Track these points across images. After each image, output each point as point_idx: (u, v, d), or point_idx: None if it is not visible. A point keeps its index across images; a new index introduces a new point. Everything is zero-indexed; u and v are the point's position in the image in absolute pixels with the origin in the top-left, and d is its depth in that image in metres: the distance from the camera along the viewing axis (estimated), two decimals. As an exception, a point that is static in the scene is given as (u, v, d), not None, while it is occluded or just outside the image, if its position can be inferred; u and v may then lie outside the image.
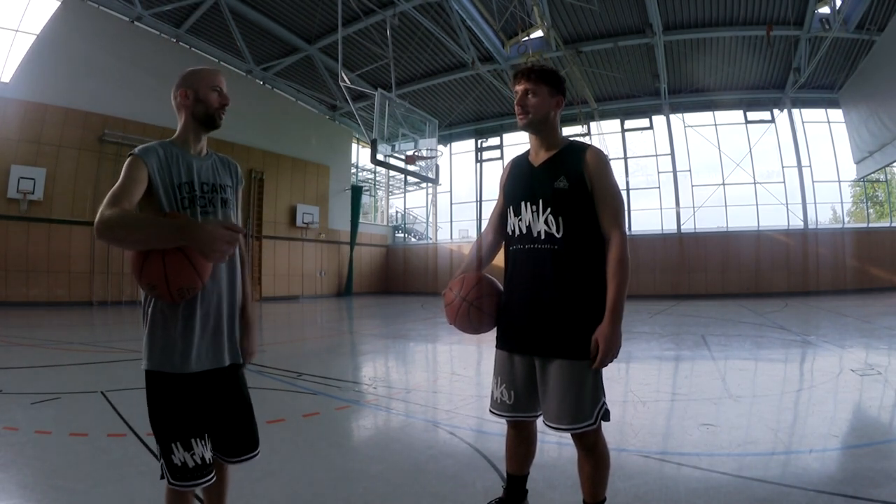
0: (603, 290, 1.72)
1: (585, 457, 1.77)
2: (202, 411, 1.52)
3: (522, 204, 1.81)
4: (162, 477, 1.50)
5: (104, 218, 1.31)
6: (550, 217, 1.75)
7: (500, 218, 1.96)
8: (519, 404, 1.83)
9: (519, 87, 1.82)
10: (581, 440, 1.74)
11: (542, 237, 1.76)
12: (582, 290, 1.72)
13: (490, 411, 1.91)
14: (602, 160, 1.76)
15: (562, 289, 1.72)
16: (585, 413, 1.69)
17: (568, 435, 1.74)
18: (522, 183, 1.86)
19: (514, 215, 1.84)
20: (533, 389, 1.80)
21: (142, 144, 1.53)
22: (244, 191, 19.08)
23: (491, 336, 1.97)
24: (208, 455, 1.51)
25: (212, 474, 1.51)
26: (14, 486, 2.27)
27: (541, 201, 1.77)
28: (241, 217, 1.72)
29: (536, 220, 1.77)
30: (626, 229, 1.74)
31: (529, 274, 1.79)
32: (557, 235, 1.74)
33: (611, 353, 1.67)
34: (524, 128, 1.84)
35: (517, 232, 1.82)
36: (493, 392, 1.90)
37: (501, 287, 1.93)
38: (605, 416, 1.73)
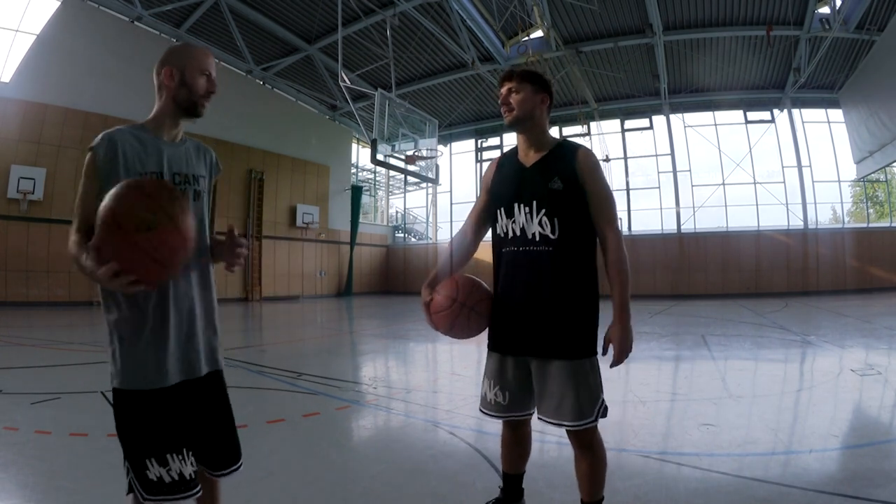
0: (597, 288, 1.77)
1: (582, 454, 1.76)
2: (178, 425, 1.38)
3: (515, 206, 1.78)
4: (129, 492, 1.34)
5: (69, 249, 1.35)
6: (545, 218, 1.73)
7: (480, 218, 1.96)
8: (514, 405, 1.83)
9: (503, 88, 1.85)
10: (578, 438, 1.75)
11: (537, 239, 1.74)
12: (578, 290, 1.74)
13: (481, 411, 1.90)
14: (594, 160, 1.78)
15: (559, 289, 1.72)
16: (586, 411, 1.70)
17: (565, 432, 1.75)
18: (514, 184, 1.83)
19: (507, 217, 1.81)
20: (527, 388, 1.80)
21: (106, 130, 1.36)
22: (244, 191, 19.00)
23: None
24: (188, 471, 1.36)
25: (195, 489, 1.37)
26: (14, 486, 2.27)
27: (534, 202, 1.75)
28: (211, 211, 1.57)
29: (530, 222, 1.75)
30: (620, 227, 1.80)
31: (525, 276, 1.77)
32: (552, 237, 1.73)
33: (626, 351, 1.72)
34: (511, 125, 1.83)
35: (510, 234, 1.80)
36: (486, 394, 1.88)
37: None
38: (604, 412, 1.75)
